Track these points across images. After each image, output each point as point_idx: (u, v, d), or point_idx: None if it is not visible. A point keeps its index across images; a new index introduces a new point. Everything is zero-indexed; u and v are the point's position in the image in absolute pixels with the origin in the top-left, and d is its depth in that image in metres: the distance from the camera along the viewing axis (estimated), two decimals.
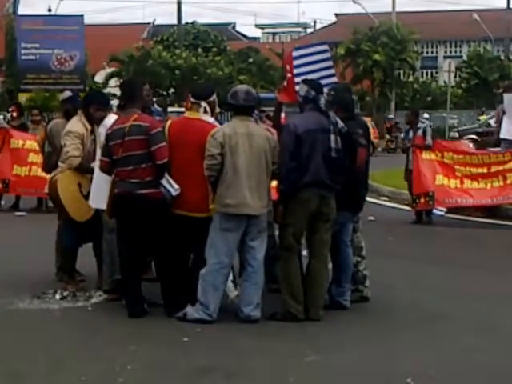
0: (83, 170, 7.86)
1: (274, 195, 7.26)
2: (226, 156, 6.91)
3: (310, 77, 7.74)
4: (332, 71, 8.34)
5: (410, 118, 14.15)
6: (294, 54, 8.42)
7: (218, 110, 7.59)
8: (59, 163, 8.16)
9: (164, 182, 7.05)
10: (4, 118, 15.70)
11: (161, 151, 7.03)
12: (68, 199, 7.90)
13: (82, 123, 8.03)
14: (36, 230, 11.97)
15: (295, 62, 8.23)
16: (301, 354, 6.28)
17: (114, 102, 7.96)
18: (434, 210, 13.69)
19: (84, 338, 6.76)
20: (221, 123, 7.58)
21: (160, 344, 6.56)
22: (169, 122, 7.39)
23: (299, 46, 9.04)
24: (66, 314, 7.44)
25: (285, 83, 8.35)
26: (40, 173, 14.21)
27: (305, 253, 7.45)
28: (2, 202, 15.41)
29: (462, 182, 13.62)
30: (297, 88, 7.79)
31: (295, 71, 8.14)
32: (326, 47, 8.53)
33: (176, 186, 7.04)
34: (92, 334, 6.85)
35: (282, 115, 8.26)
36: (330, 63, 8.33)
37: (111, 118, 7.54)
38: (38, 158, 14.42)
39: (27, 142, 14.87)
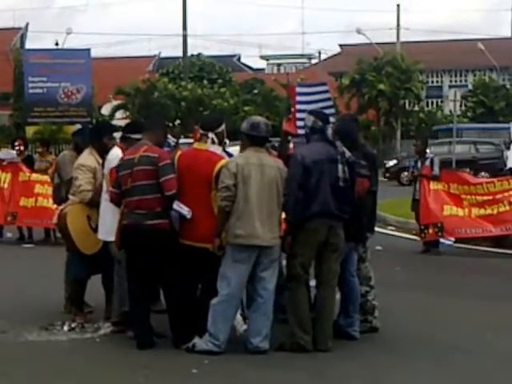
0: (94, 204, 7.88)
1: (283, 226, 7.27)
2: (238, 186, 6.94)
3: None
4: (332, 110, 8.41)
5: (421, 148, 14.12)
6: (297, 90, 8.53)
7: (226, 141, 7.64)
8: (70, 196, 8.18)
9: (175, 206, 7.09)
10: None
11: (169, 183, 7.07)
12: (77, 232, 7.92)
13: (93, 157, 8.08)
14: (44, 262, 11.97)
15: (297, 98, 8.35)
16: None
17: (117, 135, 8.00)
18: (442, 240, 13.69)
19: (92, 369, 6.74)
20: (229, 154, 7.62)
21: (168, 376, 6.54)
22: (178, 153, 7.43)
23: (302, 83, 9.20)
24: (75, 345, 7.42)
25: (290, 115, 8.43)
26: (46, 203, 14.35)
27: (312, 283, 7.44)
28: (9, 235, 15.47)
29: (470, 211, 13.66)
30: (298, 123, 7.91)
31: (297, 107, 8.26)
32: (326, 87, 8.66)
33: (187, 209, 7.07)
34: (100, 366, 6.84)
35: (291, 145, 8.30)
36: (330, 103, 8.40)
37: (114, 153, 7.60)
38: (44, 189, 14.56)
39: (33, 174, 15.01)
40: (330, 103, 8.32)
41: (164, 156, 7.24)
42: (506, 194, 13.64)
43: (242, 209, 6.94)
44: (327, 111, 7.96)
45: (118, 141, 8.03)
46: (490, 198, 13.71)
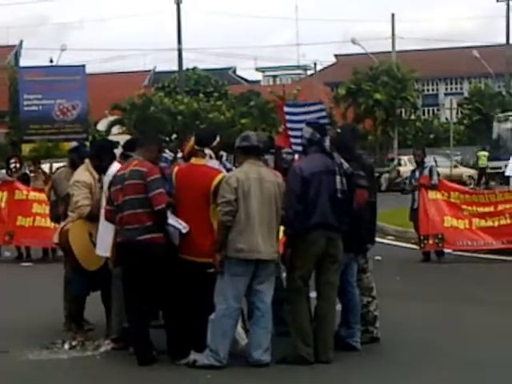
0: (93, 218, 7.86)
1: (281, 249, 7.26)
2: (238, 201, 6.93)
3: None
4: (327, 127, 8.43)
5: (421, 157, 14.06)
6: (286, 109, 8.52)
7: (222, 154, 7.66)
8: (69, 213, 8.16)
9: (171, 221, 7.06)
10: (8, 170, 15.60)
11: (157, 198, 7.04)
12: (79, 249, 7.91)
13: (89, 172, 8.08)
14: (42, 280, 11.96)
15: (287, 117, 8.36)
16: None
17: (117, 151, 8.01)
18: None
19: None
20: (226, 168, 7.62)
21: None
22: (175, 169, 7.43)
23: (291, 102, 9.26)
24: (75, 363, 7.40)
25: (280, 129, 8.51)
26: (44, 223, 14.28)
27: (312, 294, 7.42)
28: (8, 253, 15.43)
29: (470, 222, 13.68)
30: (292, 140, 7.93)
31: (288, 125, 8.29)
32: (321, 106, 8.65)
33: (184, 224, 7.04)
34: None
35: (296, 157, 8.30)
36: (325, 121, 8.38)
37: (114, 169, 7.59)
38: (42, 209, 14.48)
39: (31, 192, 14.95)
40: (325, 121, 8.28)
41: (153, 171, 7.18)
42: (507, 207, 13.69)
43: (244, 223, 6.93)
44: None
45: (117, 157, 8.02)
46: (492, 209, 13.74)
